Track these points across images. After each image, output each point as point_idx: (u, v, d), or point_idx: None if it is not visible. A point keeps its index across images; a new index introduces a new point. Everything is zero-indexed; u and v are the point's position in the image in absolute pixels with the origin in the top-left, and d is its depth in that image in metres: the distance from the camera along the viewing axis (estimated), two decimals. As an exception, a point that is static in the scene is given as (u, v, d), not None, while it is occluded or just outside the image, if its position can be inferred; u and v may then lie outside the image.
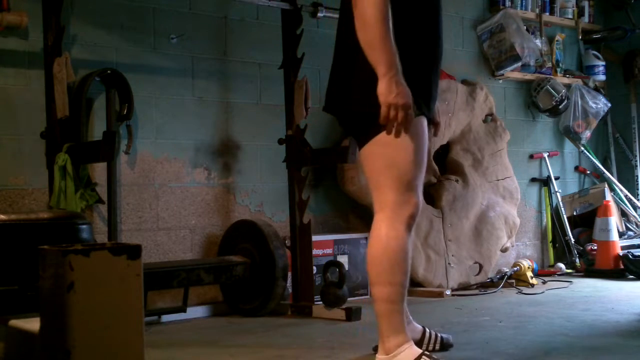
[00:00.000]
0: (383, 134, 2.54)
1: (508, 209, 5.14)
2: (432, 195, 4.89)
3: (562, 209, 5.71)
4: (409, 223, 2.61)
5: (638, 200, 6.01)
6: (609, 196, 5.72)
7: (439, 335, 2.97)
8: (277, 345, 3.19)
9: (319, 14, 4.16)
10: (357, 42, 2.56)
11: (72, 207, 3.41)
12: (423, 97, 2.65)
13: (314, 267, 4.01)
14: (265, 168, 4.38)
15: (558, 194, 5.74)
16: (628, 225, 5.91)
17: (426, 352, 2.61)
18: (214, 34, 4.24)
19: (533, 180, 5.81)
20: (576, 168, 6.14)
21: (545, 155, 5.81)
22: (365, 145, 2.66)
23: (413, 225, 2.65)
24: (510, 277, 4.90)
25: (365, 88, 2.57)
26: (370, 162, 2.67)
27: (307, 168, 4.10)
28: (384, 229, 2.60)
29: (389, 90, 2.43)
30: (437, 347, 2.92)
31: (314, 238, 4.05)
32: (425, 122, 2.66)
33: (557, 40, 5.89)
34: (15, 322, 2.15)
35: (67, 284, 1.83)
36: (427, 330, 2.95)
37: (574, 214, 5.82)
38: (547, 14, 5.84)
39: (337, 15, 4.08)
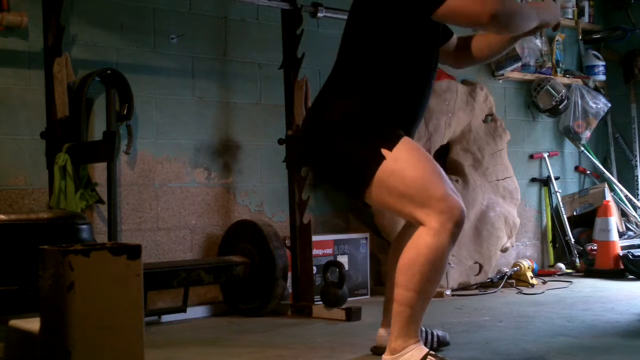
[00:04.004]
0: (377, 174, 2.52)
1: (508, 209, 5.14)
2: (432, 195, 4.88)
3: (562, 209, 5.71)
4: (453, 233, 2.49)
5: (638, 200, 6.00)
6: (609, 196, 5.72)
7: (435, 333, 2.97)
8: (277, 345, 3.18)
9: (319, 14, 4.15)
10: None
11: (72, 207, 3.41)
12: (405, 127, 2.65)
13: (314, 267, 4.01)
14: (265, 168, 4.38)
15: (558, 194, 5.74)
16: (628, 225, 5.91)
17: (431, 352, 2.60)
18: (214, 34, 4.24)
19: (533, 180, 5.81)
20: (576, 168, 6.14)
21: (545, 155, 5.80)
22: (366, 193, 2.58)
23: (458, 235, 2.52)
24: (510, 277, 4.89)
25: (347, 125, 2.59)
26: (385, 200, 2.58)
27: (307, 168, 4.10)
28: (426, 238, 2.48)
29: (546, 16, 2.72)
30: (435, 345, 2.92)
31: (314, 238, 4.04)
32: (409, 139, 2.62)
33: (557, 40, 5.88)
34: (15, 322, 2.15)
35: (67, 284, 1.83)
36: (423, 328, 2.93)
37: (574, 214, 5.82)
38: (547, 14, 5.84)
39: (337, 16, 4.15)
